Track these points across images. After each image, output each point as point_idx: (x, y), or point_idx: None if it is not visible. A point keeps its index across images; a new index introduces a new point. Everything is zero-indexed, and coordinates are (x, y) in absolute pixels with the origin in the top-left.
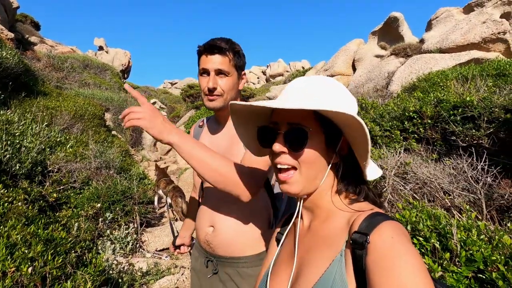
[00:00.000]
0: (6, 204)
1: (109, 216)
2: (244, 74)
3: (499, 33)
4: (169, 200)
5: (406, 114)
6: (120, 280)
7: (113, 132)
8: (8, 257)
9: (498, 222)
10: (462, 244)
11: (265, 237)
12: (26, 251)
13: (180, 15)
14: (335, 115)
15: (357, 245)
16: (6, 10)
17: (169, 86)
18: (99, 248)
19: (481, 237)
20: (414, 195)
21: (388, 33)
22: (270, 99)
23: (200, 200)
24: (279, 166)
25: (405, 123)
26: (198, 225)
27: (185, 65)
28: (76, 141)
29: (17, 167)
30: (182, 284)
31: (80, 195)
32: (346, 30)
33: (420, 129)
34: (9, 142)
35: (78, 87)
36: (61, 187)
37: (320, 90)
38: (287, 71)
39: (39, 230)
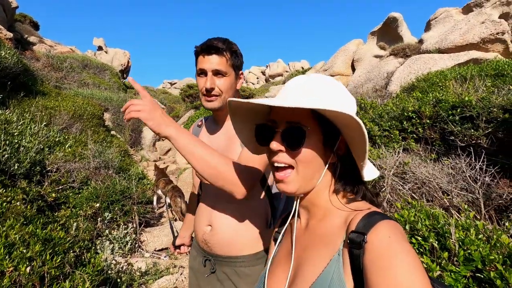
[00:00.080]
0: (4, 203)
1: (108, 216)
2: (242, 73)
3: (497, 33)
4: (168, 200)
5: (405, 114)
6: (118, 280)
7: (112, 132)
8: (7, 257)
9: (496, 221)
10: (460, 243)
11: (263, 236)
12: (24, 250)
13: (179, 15)
14: (334, 114)
15: (355, 245)
16: (5, 10)
17: (168, 86)
18: (98, 248)
19: (479, 236)
20: (413, 194)
21: (387, 34)
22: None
23: (198, 199)
24: (276, 164)
25: (404, 123)
26: (196, 224)
27: (185, 65)
28: (75, 141)
29: (16, 167)
30: (181, 284)
31: (79, 195)
32: (345, 30)
33: (419, 129)
34: (7, 142)
35: (77, 87)
36: (60, 187)
37: (319, 89)
38: (287, 71)
39: (38, 230)
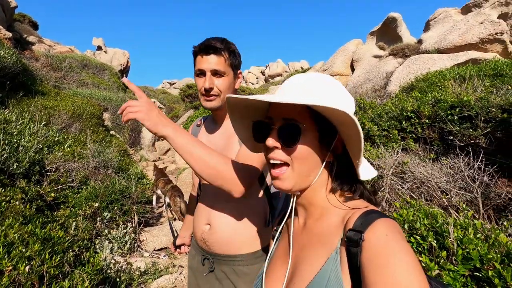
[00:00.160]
0: (3, 203)
1: (107, 216)
2: (240, 73)
3: (496, 33)
4: (167, 200)
5: (404, 114)
6: (118, 279)
7: (112, 132)
8: (6, 256)
9: (495, 221)
10: (458, 242)
11: (261, 235)
12: (24, 250)
13: (179, 15)
14: (329, 111)
15: (352, 243)
16: (4, 10)
17: (167, 86)
18: (97, 247)
19: (478, 235)
20: (412, 194)
21: (387, 34)
22: None
23: (197, 199)
24: (272, 161)
25: (403, 122)
26: (195, 223)
27: (184, 65)
28: (74, 141)
29: (15, 166)
30: (180, 283)
31: (78, 195)
32: (344, 30)
33: (418, 128)
34: (6, 141)
35: (76, 86)
36: (59, 187)
37: (318, 88)
38: (286, 71)
39: (37, 229)
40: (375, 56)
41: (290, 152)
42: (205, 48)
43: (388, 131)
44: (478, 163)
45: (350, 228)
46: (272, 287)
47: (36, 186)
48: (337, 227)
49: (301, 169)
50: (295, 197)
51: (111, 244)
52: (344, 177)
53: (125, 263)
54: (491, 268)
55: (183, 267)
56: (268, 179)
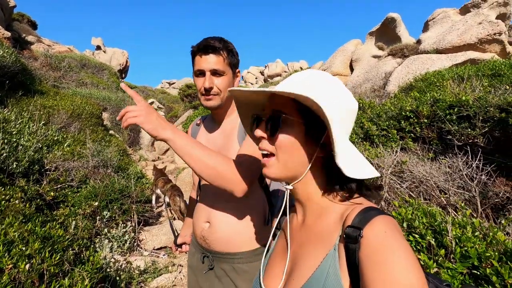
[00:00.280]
0: (3, 202)
1: (106, 215)
2: (239, 71)
3: (494, 34)
4: (167, 199)
5: (403, 113)
6: (117, 278)
7: (111, 132)
8: (6, 254)
9: (493, 220)
10: (457, 241)
11: (261, 233)
12: (24, 248)
13: (178, 15)
14: (309, 102)
15: (350, 239)
16: (2, 9)
17: (167, 86)
18: (97, 246)
19: (476, 234)
20: (410, 193)
21: (386, 34)
22: None
23: (197, 197)
24: (261, 152)
25: (402, 122)
26: (194, 221)
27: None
28: (73, 140)
29: (14, 166)
30: (180, 282)
31: (78, 194)
32: (344, 30)
33: (417, 128)
34: (6, 141)
35: (76, 86)
36: (59, 186)
37: (320, 86)
38: (285, 72)
39: (37, 228)
40: (374, 56)
41: (274, 141)
42: (204, 48)
43: (387, 130)
44: (476, 162)
45: (348, 225)
46: (271, 284)
47: (35, 185)
48: (335, 224)
49: (285, 159)
50: (288, 192)
51: (111, 243)
52: (341, 173)
53: (124, 262)
54: (489, 266)
55: (182, 266)
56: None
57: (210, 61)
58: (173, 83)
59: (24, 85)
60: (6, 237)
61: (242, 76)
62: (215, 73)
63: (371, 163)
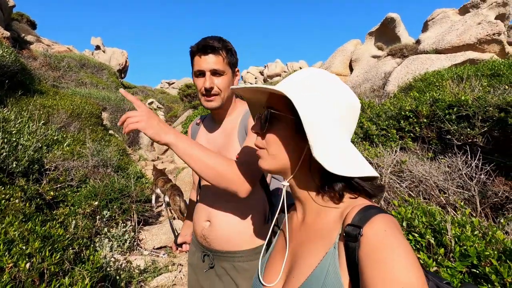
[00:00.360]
0: (3, 201)
1: (106, 214)
2: (238, 70)
3: (494, 34)
4: (167, 199)
5: (402, 113)
6: (118, 277)
7: (110, 131)
8: (6, 253)
9: (492, 219)
10: (456, 239)
11: (261, 232)
12: (24, 247)
13: (178, 15)
14: (280, 94)
15: (350, 238)
16: (2, 9)
17: (166, 86)
18: (97, 245)
19: (475, 232)
20: (410, 192)
21: (385, 34)
22: None
23: (197, 196)
24: (256, 147)
25: (401, 122)
26: (195, 220)
27: (183, 65)
28: (73, 140)
29: (14, 165)
30: (180, 281)
31: (78, 193)
32: (343, 30)
33: (416, 128)
34: (5, 140)
35: (75, 86)
36: (58, 185)
37: (320, 85)
38: (285, 72)
39: (37, 227)
40: (374, 56)
41: (264, 136)
42: (203, 48)
43: (386, 130)
44: (475, 161)
45: (348, 223)
46: (271, 282)
47: (35, 184)
48: (335, 222)
49: (273, 152)
50: (285, 188)
51: (111, 242)
52: (325, 173)
53: (124, 261)
54: (488, 265)
55: (182, 265)
56: (268, 177)
57: (210, 61)
58: (173, 83)
59: (24, 85)
60: (6, 236)
61: (242, 76)
62: (215, 73)
63: (371, 163)
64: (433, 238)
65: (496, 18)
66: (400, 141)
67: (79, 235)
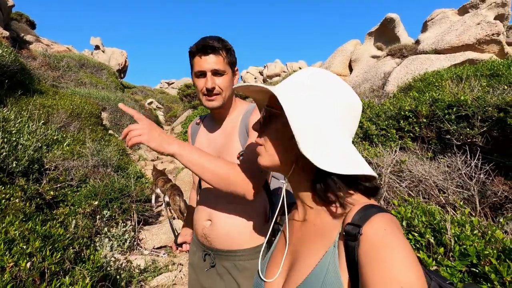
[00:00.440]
0: (3, 201)
1: (106, 214)
2: (237, 69)
3: (493, 34)
4: (166, 199)
5: (402, 113)
6: (118, 277)
7: (110, 131)
8: (7, 253)
9: (491, 218)
10: (456, 239)
11: (262, 231)
12: (24, 246)
13: (178, 15)
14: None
15: (350, 237)
16: (1, 9)
17: (166, 86)
18: (97, 245)
19: (475, 232)
20: (410, 192)
21: (385, 34)
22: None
23: (198, 196)
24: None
25: (401, 122)
26: (196, 220)
27: (182, 65)
28: (73, 140)
29: (14, 165)
30: (180, 281)
31: (77, 193)
32: (343, 31)
33: (416, 128)
34: (5, 140)
35: (74, 86)
36: (58, 185)
37: (321, 84)
38: (284, 72)
39: (37, 227)
40: (373, 57)
41: (262, 134)
42: (203, 48)
43: (386, 130)
44: (475, 161)
45: (348, 222)
46: (271, 278)
47: (35, 184)
48: (335, 221)
49: (271, 150)
50: (284, 186)
51: (111, 242)
52: (319, 171)
53: (125, 260)
54: (487, 264)
55: (182, 265)
56: (268, 177)
57: (211, 61)
58: (172, 83)
59: (23, 85)
60: (7, 236)
61: (241, 76)
62: (216, 73)
63: (370, 163)
64: (432, 238)
65: (495, 18)
66: (400, 141)
67: (79, 235)
